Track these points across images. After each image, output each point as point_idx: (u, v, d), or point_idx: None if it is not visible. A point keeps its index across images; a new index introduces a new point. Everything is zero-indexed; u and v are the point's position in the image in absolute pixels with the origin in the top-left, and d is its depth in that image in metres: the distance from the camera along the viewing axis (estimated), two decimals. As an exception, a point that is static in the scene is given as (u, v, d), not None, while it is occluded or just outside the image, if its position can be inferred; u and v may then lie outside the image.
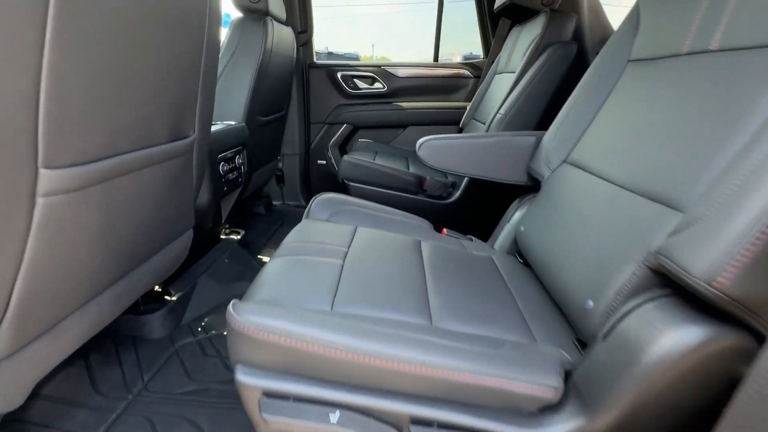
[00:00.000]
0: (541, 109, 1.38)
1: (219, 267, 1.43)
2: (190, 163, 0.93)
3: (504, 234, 0.99)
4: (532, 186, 1.03)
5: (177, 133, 0.82)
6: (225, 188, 1.30)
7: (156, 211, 0.84)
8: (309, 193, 2.40)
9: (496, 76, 1.83)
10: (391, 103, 2.20)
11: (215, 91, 0.95)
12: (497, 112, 1.46)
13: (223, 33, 1.52)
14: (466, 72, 2.15)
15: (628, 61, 0.81)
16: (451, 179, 1.63)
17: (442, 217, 1.66)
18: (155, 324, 1.13)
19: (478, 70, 2.15)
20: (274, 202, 2.37)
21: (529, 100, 1.36)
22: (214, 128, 1.24)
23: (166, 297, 1.20)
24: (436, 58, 2.27)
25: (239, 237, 1.72)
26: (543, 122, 1.46)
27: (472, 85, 2.16)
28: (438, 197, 1.61)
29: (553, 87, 1.36)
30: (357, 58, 7.90)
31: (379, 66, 2.16)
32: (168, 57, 0.70)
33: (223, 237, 1.69)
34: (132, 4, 0.58)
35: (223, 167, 1.25)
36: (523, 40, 1.57)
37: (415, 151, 2.22)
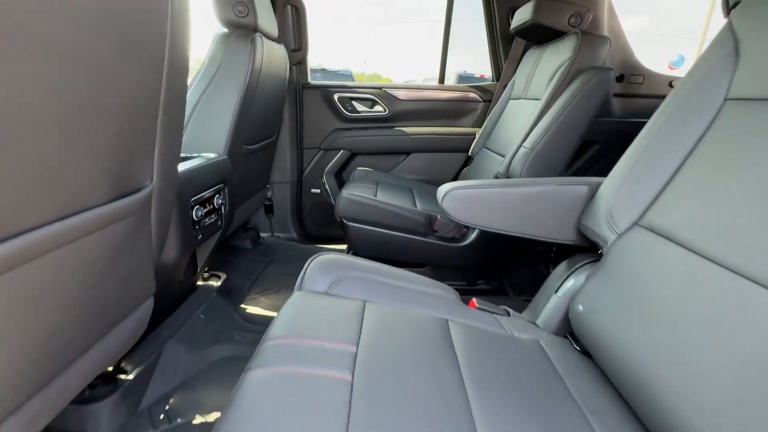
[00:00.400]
0: (574, 142, 1.20)
1: (192, 327, 1.19)
2: (146, 220, 0.71)
3: (550, 309, 0.78)
4: (584, 246, 0.83)
5: (124, 187, 0.60)
6: (200, 236, 1.07)
7: (96, 290, 0.61)
8: (301, 224, 2.17)
9: (512, 101, 1.66)
10: (392, 127, 2.01)
11: (183, 124, 0.74)
12: (521, 145, 1.27)
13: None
14: (475, 95, 1.98)
15: (726, 99, 0.62)
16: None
17: (455, 262, 1.46)
18: (103, 415, 0.88)
19: (488, 94, 1.98)
20: (262, 234, 2.14)
21: (561, 132, 1.17)
22: (187, 165, 1.02)
23: (120, 376, 0.95)
24: (441, 80, 2.09)
25: (219, 283, 1.48)
26: (576, 157, 1.27)
27: (481, 110, 1.99)
28: (450, 239, 1.41)
29: (587, 118, 1.18)
30: (351, 75, 7.79)
31: (380, 88, 1.98)
32: (107, 88, 0.49)
33: (200, 283, 1.45)
34: (47, 16, 0.37)
35: (197, 212, 1.02)
36: (546, 64, 1.39)
37: (420, 181, 2.03)
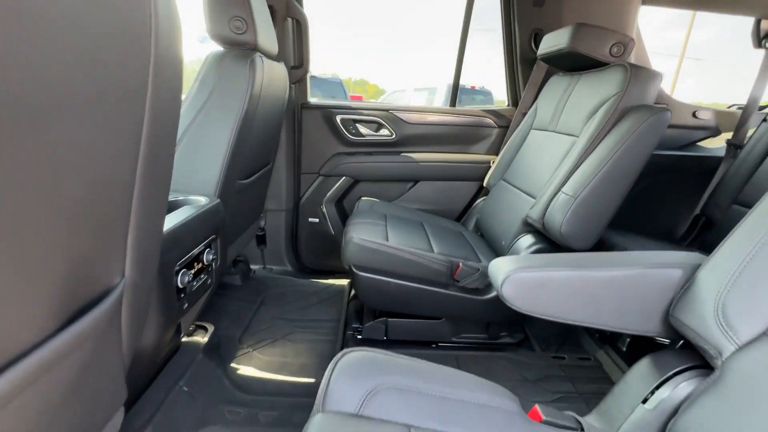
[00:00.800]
0: (624, 189, 1.05)
1: (173, 405, 0.99)
2: (115, 325, 0.51)
3: (637, 424, 0.62)
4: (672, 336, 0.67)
5: (81, 299, 0.41)
6: (186, 305, 0.87)
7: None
8: (296, 255, 1.98)
9: (535, 131, 1.51)
10: (399, 153, 1.85)
11: (168, 191, 0.56)
12: (559, 189, 1.12)
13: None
14: (490, 121, 1.83)
15: None
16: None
17: (477, 316, 1.29)
18: None
19: (504, 120, 1.83)
20: (253, 267, 1.93)
21: (610, 178, 1.03)
22: (172, 221, 0.82)
23: None
24: (453, 103, 1.94)
25: (206, 338, 1.28)
26: (626, 206, 1.13)
27: (496, 137, 1.84)
28: (473, 291, 1.24)
29: (640, 163, 1.03)
30: (341, 83, 7.62)
31: (387, 110, 1.81)
32: (60, 169, 0.30)
33: (184, 340, 1.24)
34: None
35: (183, 278, 0.83)
36: (582, 96, 1.25)
37: (429, 212, 1.87)
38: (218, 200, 1.02)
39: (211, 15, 1.07)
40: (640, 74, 1.07)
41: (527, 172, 1.41)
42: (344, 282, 1.85)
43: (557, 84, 1.45)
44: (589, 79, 1.27)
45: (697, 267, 0.64)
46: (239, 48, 1.12)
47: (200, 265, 0.93)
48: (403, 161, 1.82)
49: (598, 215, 1.06)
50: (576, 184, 1.06)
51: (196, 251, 0.89)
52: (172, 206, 0.93)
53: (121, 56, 0.35)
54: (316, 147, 1.83)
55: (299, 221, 1.92)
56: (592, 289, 0.64)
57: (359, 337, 1.38)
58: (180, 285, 0.82)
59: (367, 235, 1.29)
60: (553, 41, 1.33)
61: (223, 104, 1.07)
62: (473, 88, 8.32)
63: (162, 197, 0.52)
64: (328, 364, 0.59)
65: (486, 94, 8.48)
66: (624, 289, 0.64)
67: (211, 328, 1.33)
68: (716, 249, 0.62)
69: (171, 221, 0.80)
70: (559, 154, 1.25)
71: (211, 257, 0.96)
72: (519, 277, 0.64)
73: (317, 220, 1.90)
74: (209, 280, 0.99)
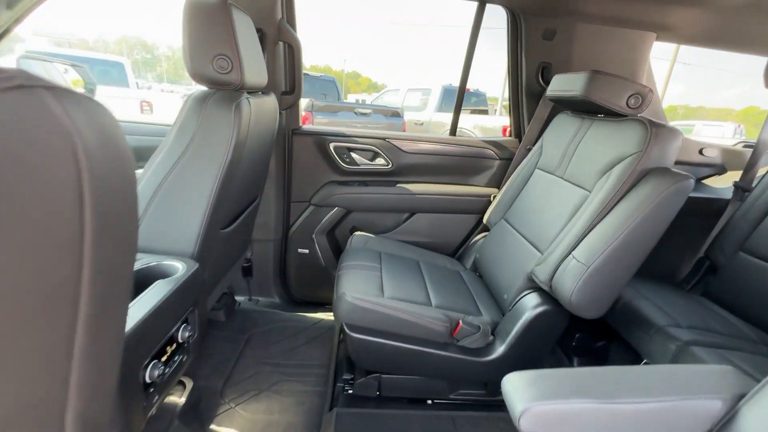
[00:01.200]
0: (640, 259, 0.98)
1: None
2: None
3: None
4: None
5: None
6: (156, 397, 0.77)
7: None
8: (285, 286, 1.88)
9: (540, 171, 1.43)
10: (395, 183, 1.75)
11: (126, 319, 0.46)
12: (570, 253, 1.04)
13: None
14: (491, 152, 1.74)
15: None
16: (491, 323, 1.19)
17: (477, 377, 1.21)
18: None
19: (506, 152, 1.75)
20: (238, 299, 1.83)
21: (626, 248, 0.95)
22: (136, 312, 0.72)
23: None
24: (453, 132, 1.85)
25: (183, 398, 1.18)
26: (641, 276, 1.06)
27: (497, 169, 1.76)
28: (473, 351, 1.17)
29: (659, 233, 0.96)
30: (334, 82, 7.44)
31: (384, 138, 1.71)
32: None
33: (158, 401, 1.14)
34: None
35: (153, 372, 0.73)
36: (595, 147, 1.17)
37: (425, 247, 1.78)
38: (197, 266, 0.91)
39: (192, 54, 0.96)
40: (661, 134, 0.99)
41: (531, 218, 1.33)
42: (330, 316, 1.76)
43: (566, 124, 1.36)
44: (602, 127, 1.18)
45: (739, 397, 0.57)
46: (224, 88, 1.00)
47: (175, 345, 0.83)
48: (399, 192, 1.72)
49: (611, 285, 0.99)
50: (589, 251, 0.98)
51: (169, 334, 0.79)
52: (143, 280, 0.82)
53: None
54: (308, 175, 1.73)
55: (288, 251, 1.81)
56: (620, 422, 0.56)
57: (350, 392, 1.29)
58: (148, 380, 0.72)
59: (361, 286, 1.20)
60: (566, 85, 1.24)
61: (204, 154, 0.96)
62: (468, 90, 8.25)
63: (116, 350, 0.42)
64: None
65: (479, 96, 8.41)
66: (655, 423, 0.57)
67: (189, 384, 1.22)
68: (762, 383, 0.55)
69: (138, 311, 0.70)
70: (569, 208, 1.17)
71: (187, 334, 0.86)
72: (540, 411, 0.55)
73: (307, 251, 1.80)
74: (185, 357, 0.88)
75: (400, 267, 1.42)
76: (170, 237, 0.97)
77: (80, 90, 0.32)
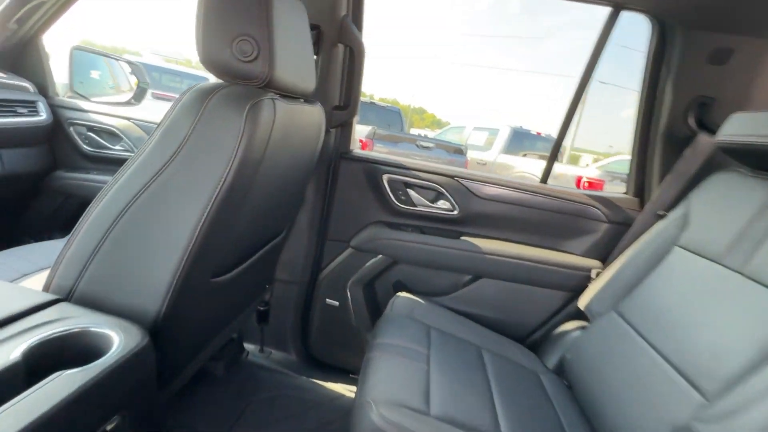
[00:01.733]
0: None
1: None
2: None
3: None
4: None
5: None
6: None
7: None
8: (305, 341, 1.51)
9: (682, 251, 0.96)
10: (460, 235, 1.35)
11: None
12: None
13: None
14: (597, 211, 1.29)
15: None
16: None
17: None
18: None
19: (620, 214, 1.29)
20: (248, 346, 1.49)
21: None
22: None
23: None
24: (545, 179, 1.42)
25: None
26: None
27: (604, 235, 1.29)
28: None
29: None
30: (399, 113, 7.30)
31: (452, 176, 1.34)
32: None
33: None
34: None
35: None
36: None
37: (490, 325, 1.33)
38: (146, 340, 0.58)
39: (206, 31, 0.67)
40: None
41: (676, 329, 0.85)
42: (352, 393, 1.36)
43: (740, 187, 0.90)
44: None
45: None
46: (244, 82, 0.70)
47: None
48: (463, 248, 1.32)
49: None
50: None
51: None
52: (49, 362, 0.49)
53: None
54: (351, 209, 1.39)
55: (314, 300, 1.46)
56: None
57: None
58: None
59: (398, 387, 0.80)
60: (751, 128, 0.79)
61: (195, 169, 0.65)
62: (539, 134, 7.72)
63: None
64: None
65: (550, 141, 7.81)
66: None
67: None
68: None
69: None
70: (761, 329, 0.69)
71: None
72: None
73: (337, 303, 1.44)
74: None
75: (456, 358, 1.00)
76: (128, 286, 0.65)
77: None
